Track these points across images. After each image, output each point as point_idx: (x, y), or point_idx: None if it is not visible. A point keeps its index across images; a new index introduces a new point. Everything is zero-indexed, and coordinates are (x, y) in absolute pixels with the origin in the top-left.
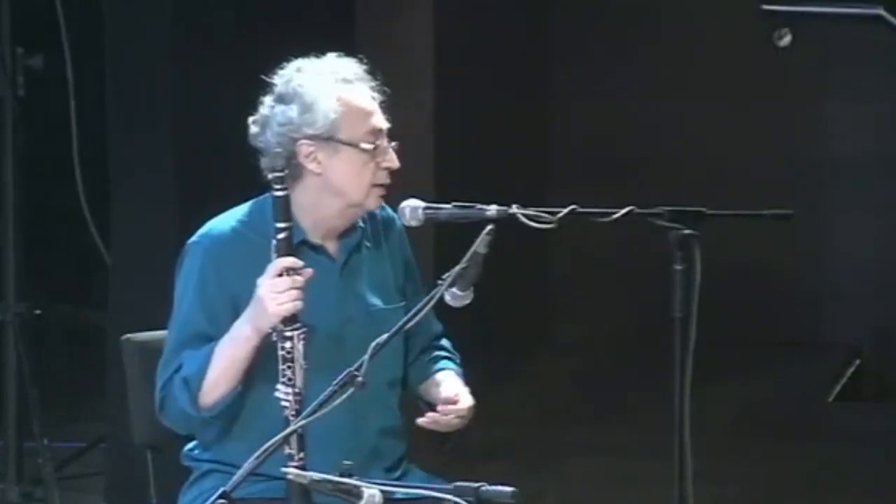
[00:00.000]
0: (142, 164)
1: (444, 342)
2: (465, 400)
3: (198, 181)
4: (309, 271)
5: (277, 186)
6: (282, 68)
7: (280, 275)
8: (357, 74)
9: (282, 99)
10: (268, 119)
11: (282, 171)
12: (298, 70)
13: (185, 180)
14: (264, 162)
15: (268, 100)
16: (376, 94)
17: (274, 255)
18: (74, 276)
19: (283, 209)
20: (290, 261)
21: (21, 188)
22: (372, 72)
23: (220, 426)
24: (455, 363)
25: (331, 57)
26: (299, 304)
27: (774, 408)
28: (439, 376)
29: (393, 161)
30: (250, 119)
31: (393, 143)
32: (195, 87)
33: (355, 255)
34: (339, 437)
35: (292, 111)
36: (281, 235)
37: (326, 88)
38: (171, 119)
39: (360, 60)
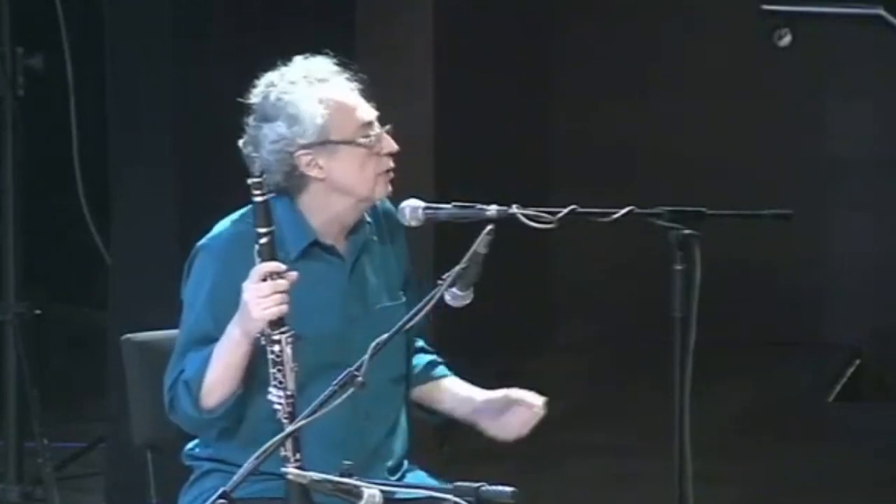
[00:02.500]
0: (142, 164)
1: (420, 344)
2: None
3: (198, 181)
4: (293, 274)
5: (256, 192)
6: (254, 87)
7: (264, 279)
8: (330, 71)
9: (265, 117)
10: (257, 139)
11: (260, 176)
12: (271, 84)
13: (185, 180)
14: (265, 177)
15: (251, 120)
16: (355, 85)
17: (257, 260)
18: (74, 276)
19: (264, 214)
20: (273, 265)
21: (21, 188)
22: (345, 63)
23: (222, 425)
24: (450, 369)
25: (298, 60)
26: (284, 307)
27: (774, 408)
28: (449, 383)
29: (391, 145)
30: (240, 142)
31: (387, 127)
32: (195, 87)
33: (364, 253)
34: (344, 437)
35: (280, 127)
36: (263, 240)
37: (305, 95)
38: (171, 119)
39: (328, 55)
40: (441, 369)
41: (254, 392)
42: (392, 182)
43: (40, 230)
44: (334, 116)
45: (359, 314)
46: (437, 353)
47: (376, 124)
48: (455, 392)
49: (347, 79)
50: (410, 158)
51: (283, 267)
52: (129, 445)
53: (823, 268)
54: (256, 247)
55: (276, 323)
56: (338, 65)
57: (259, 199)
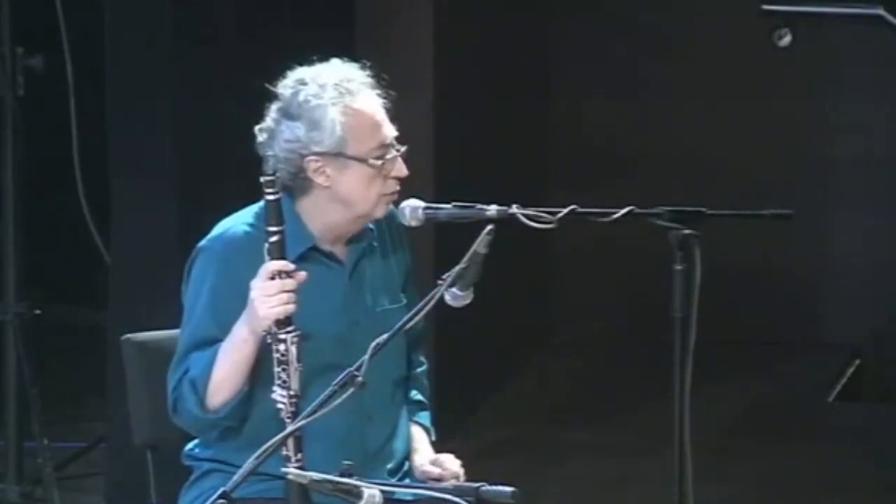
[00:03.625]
0: (142, 164)
1: (419, 370)
2: (452, 465)
3: (198, 181)
4: (302, 274)
5: (269, 190)
6: (284, 77)
7: (272, 278)
8: (362, 83)
9: (287, 114)
10: (274, 132)
11: (273, 174)
12: (302, 82)
13: (186, 180)
14: (270, 170)
15: (273, 110)
16: (382, 101)
17: (266, 258)
18: (74, 276)
19: (276, 213)
20: (280, 264)
21: (21, 188)
22: (377, 75)
23: (226, 425)
24: (427, 408)
25: (335, 64)
26: (291, 307)
27: (774, 408)
28: (413, 435)
29: (401, 170)
30: (257, 128)
31: (402, 150)
32: (195, 87)
33: (364, 258)
34: (346, 438)
35: (299, 129)
36: (273, 239)
37: (332, 103)
38: (171, 119)
39: (363, 66)
40: (419, 415)
41: (257, 392)
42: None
43: (40, 230)
44: (354, 132)
45: (360, 317)
46: (427, 377)
47: (393, 146)
48: (411, 446)
49: (378, 94)
50: (410, 158)
51: (291, 266)
52: (129, 445)
53: (823, 268)
54: (266, 245)
55: (283, 322)
56: (371, 77)
57: (271, 197)
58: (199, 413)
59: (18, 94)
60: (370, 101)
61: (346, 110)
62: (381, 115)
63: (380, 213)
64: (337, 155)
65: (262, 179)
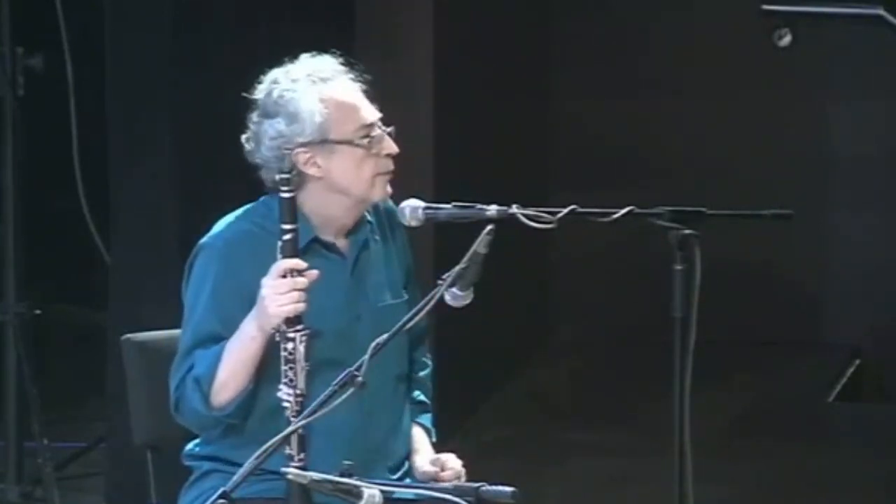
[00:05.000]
0: (142, 164)
1: (423, 373)
2: (454, 464)
3: (198, 181)
4: (314, 273)
5: (284, 188)
6: (259, 83)
7: (283, 276)
8: (334, 70)
9: (266, 114)
10: (258, 135)
11: (289, 172)
12: (275, 81)
13: (186, 180)
14: (264, 173)
15: (253, 116)
16: (359, 86)
17: (279, 256)
18: (74, 276)
19: (290, 210)
20: (293, 262)
21: (21, 188)
22: (350, 63)
23: (229, 422)
24: (429, 410)
25: (304, 59)
26: (301, 305)
27: (774, 408)
28: (414, 436)
29: (391, 147)
30: (243, 137)
31: (389, 129)
32: (195, 87)
33: (365, 251)
34: (348, 436)
35: (280, 124)
36: (287, 237)
37: (306, 93)
38: (171, 118)
39: (335, 54)
40: (420, 416)
41: (259, 388)
42: (392, 182)
43: (40, 230)
44: (334, 116)
45: (362, 312)
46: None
47: (378, 126)
48: (413, 447)
49: (352, 79)
50: (410, 158)
51: (303, 264)
52: (129, 445)
53: (823, 268)
54: (279, 243)
55: (293, 320)
56: (343, 64)
57: (286, 195)
58: (203, 410)
59: (18, 94)
60: (345, 85)
61: (321, 97)
62: (359, 97)
63: (377, 194)
64: (322, 142)
65: (277, 177)
